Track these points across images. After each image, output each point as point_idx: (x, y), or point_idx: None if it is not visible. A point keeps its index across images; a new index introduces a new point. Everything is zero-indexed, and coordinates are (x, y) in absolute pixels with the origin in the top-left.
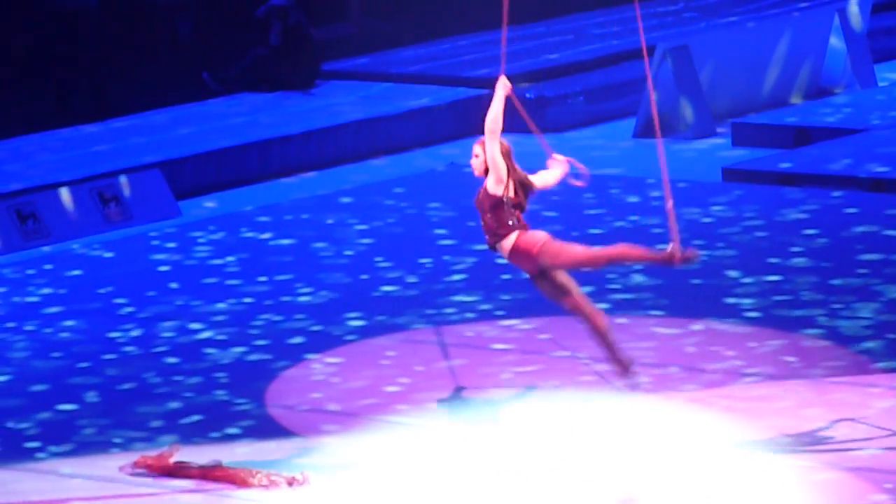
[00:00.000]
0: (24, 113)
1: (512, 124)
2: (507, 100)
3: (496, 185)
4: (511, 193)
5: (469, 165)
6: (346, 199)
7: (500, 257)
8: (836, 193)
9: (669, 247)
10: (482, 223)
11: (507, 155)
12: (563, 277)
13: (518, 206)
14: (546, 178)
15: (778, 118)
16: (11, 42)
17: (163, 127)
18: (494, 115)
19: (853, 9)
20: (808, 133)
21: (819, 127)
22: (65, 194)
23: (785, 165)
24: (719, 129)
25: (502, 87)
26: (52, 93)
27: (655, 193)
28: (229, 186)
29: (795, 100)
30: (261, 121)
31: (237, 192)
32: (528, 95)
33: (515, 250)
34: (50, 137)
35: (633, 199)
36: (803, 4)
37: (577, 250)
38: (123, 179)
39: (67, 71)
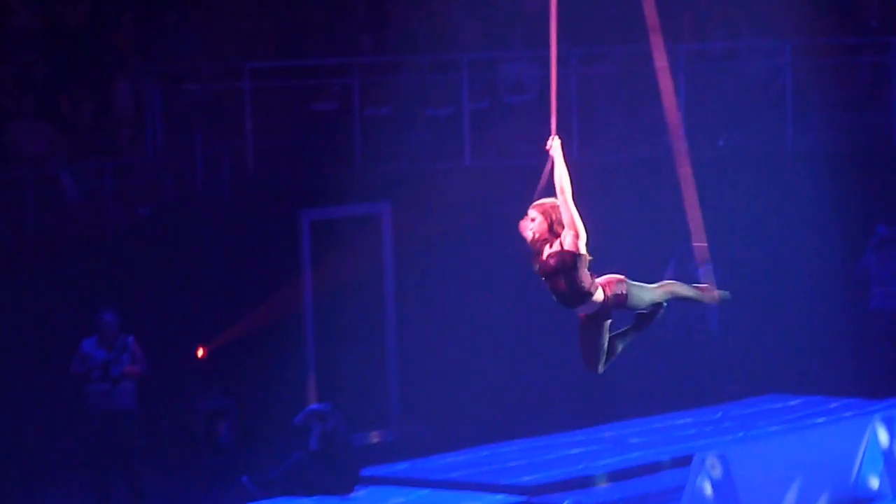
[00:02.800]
0: None
1: None
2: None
3: (575, 240)
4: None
5: None
6: None
7: None
8: None
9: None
10: (555, 289)
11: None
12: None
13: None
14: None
15: None
16: (54, 445)
17: None
18: (564, 174)
19: (880, 426)
20: None
21: None
22: None
23: None
24: None
25: (558, 147)
26: (92, 491)
27: None
28: None
29: None
30: None
31: None
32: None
33: (607, 302)
34: None
35: None
36: (837, 416)
37: (649, 287)
38: None
39: (107, 469)
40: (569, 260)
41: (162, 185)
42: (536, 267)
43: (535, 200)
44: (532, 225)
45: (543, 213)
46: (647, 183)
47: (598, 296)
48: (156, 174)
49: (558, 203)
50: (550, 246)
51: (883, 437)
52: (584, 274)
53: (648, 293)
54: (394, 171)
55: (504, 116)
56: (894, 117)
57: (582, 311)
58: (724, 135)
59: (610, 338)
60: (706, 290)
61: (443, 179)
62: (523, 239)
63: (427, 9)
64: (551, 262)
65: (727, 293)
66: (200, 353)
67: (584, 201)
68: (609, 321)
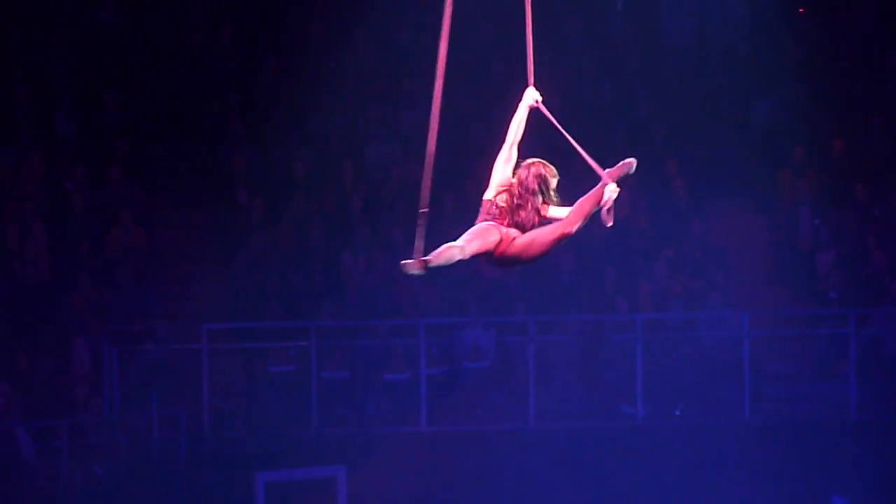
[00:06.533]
0: None
1: None
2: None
3: (488, 191)
4: (500, 202)
5: None
6: None
7: None
8: None
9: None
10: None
11: (537, 178)
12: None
13: (505, 211)
14: (560, 212)
15: None
16: None
17: None
18: (514, 124)
19: None
20: None
21: None
22: None
23: None
24: None
25: (529, 97)
26: None
27: None
28: None
29: None
30: None
31: None
32: None
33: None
34: None
35: None
36: None
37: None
38: None
39: None
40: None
41: (118, 444)
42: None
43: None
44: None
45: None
46: (604, 451)
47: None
48: (112, 433)
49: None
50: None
51: None
52: (481, 219)
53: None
54: (350, 435)
55: (461, 382)
56: (852, 388)
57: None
58: (682, 405)
59: None
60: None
61: (399, 444)
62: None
63: (386, 275)
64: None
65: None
66: None
67: (545, 468)
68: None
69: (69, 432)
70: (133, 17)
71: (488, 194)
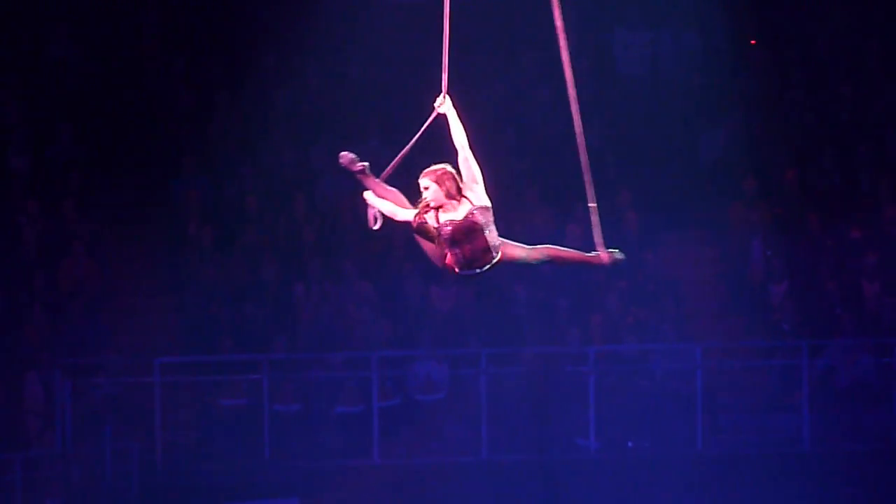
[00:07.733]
0: None
1: None
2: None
3: (484, 193)
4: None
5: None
6: None
7: None
8: None
9: (598, 252)
10: (464, 251)
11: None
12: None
13: None
14: None
15: None
16: None
17: None
18: (460, 130)
19: None
20: None
21: None
22: None
23: None
24: None
25: (449, 104)
26: None
27: None
28: None
29: None
30: None
31: None
32: None
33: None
34: None
35: None
36: None
37: (518, 248)
38: None
39: None
40: (486, 214)
41: (70, 478)
42: (444, 236)
43: (389, 173)
44: (427, 194)
45: (438, 180)
46: (557, 484)
47: (507, 251)
48: (64, 467)
49: (449, 169)
50: (449, 210)
51: None
52: (493, 226)
53: (522, 252)
54: (302, 469)
55: (414, 415)
56: (805, 420)
57: (481, 269)
58: (635, 437)
59: None
60: (593, 257)
61: (352, 477)
62: (407, 222)
63: (338, 307)
64: (472, 217)
65: (618, 252)
66: None
67: (498, 501)
68: None
69: (22, 466)
70: (85, 51)
71: (488, 201)
